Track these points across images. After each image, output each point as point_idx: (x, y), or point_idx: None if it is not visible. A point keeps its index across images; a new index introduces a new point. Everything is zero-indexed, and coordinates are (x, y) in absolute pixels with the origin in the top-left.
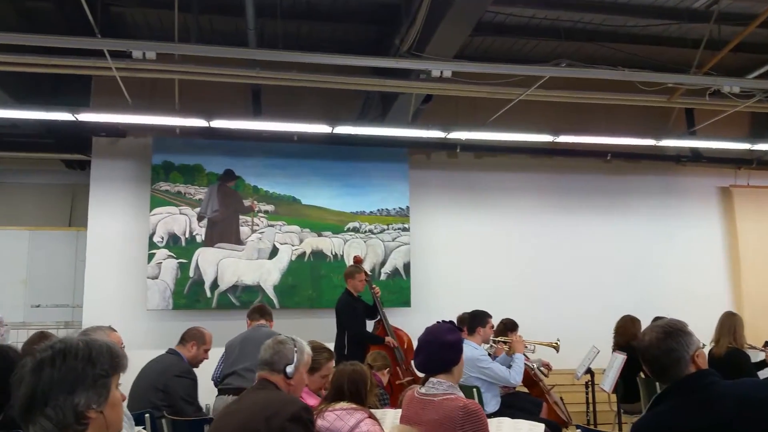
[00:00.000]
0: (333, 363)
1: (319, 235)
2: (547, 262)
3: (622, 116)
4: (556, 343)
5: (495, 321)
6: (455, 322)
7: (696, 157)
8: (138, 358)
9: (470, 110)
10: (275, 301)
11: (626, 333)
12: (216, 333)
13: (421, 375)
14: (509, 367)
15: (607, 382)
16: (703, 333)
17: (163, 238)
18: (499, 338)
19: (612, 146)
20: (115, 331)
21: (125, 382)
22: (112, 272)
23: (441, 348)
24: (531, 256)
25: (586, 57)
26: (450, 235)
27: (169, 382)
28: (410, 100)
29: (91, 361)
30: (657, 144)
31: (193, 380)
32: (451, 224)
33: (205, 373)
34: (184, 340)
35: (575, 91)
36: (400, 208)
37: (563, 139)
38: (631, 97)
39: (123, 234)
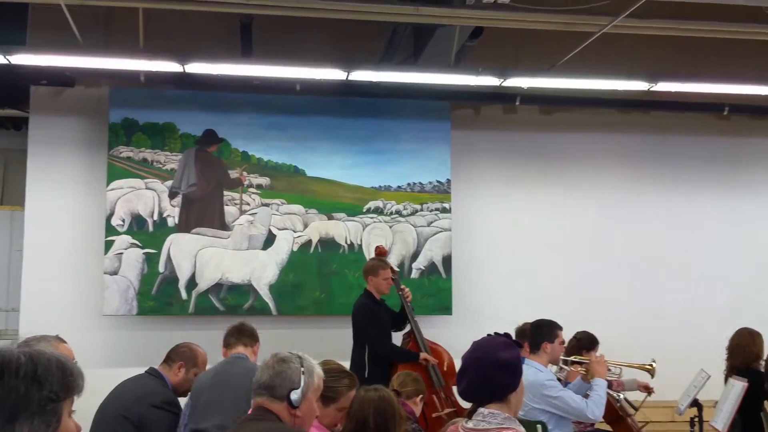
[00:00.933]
0: (354, 392)
1: (330, 218)
2: (640, 255)
3: (745, 56)
4: (651, 365)
5: (567, 335)
6: (512, 335)
7: None
8: (92, 377)
9: (535, 49)
10: (272, 305)
11: (745, 352)
12: None
13: (466, 405)
14: (586, 396)
15: (721, 418)
16: None
17: (124, 221)
18: (572, 358)
19: (730, 97)
20: (64, 341)
21: (86, 408)
22: (58, 265)
23: (493, 369)
24: (617, 247)
25: None
26: (505, 219)
27: (145, 413)
28: (453, 36)
29: (36, 380)
30: None
31: (177, 414)
32: (507, 204)
33: None
34: (170, 359)
35: (680, 21)
36: (438, 181)
37: (663, 87)
38: (758, 30)
39: (72, 215)
